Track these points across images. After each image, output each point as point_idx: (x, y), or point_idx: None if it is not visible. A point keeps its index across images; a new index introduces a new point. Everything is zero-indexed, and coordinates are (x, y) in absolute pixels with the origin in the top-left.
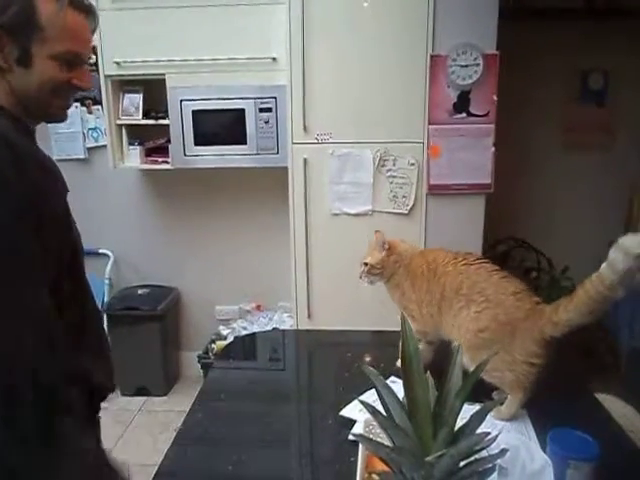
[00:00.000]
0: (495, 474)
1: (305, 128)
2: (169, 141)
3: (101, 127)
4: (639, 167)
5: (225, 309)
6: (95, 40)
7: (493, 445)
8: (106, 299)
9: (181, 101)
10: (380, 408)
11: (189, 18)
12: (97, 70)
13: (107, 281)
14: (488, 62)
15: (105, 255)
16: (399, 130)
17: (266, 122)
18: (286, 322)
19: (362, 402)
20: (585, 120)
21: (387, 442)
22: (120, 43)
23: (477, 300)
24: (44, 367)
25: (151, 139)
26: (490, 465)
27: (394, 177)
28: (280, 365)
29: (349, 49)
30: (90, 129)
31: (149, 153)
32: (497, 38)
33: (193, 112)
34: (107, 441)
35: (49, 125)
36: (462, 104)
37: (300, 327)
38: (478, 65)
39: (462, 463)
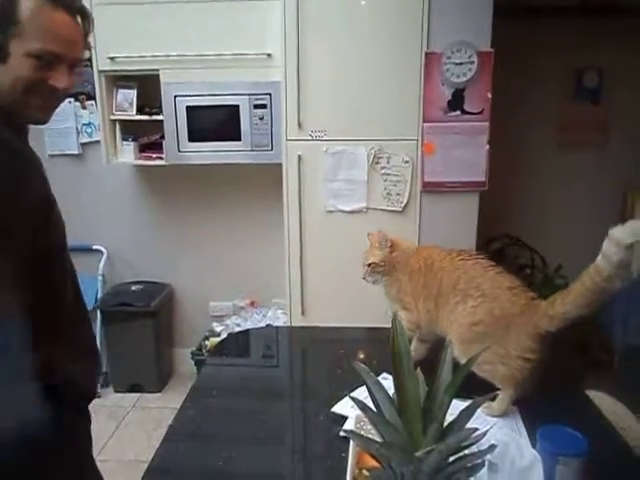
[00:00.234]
0: (485, 470)
1: (299, 125)
2: (163, 137)
3: (95, 122)
4: (633, 165)
5: (219, 305)
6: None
7: (483, 441)
8: (99, 295)
9: (175, 97)
10: (371, 404)
11: (183, 13)
12: (91, 65)
13: (100, 277)
14: (482, 60)
15: (98, 251)
16: (393, 127)
17: (260, 118)
18: (280, 319)
19: (352, 398)
20: (580, 118)
21: (377, 438)
22: (114, 38)
23: (474, 295)
24: None
25: (145, 135)
26: (479, 461)
27: (388, 174)
28: (273, 362)
29: (344, 46)
30: (84, 124)
31: (143, 149)
32: (492, 36)
33: (187, 108)
34: (100, 437)
35: None
36: (456, 102)
37: (294, 324)
38: (472, 63)
39: (451, 458)
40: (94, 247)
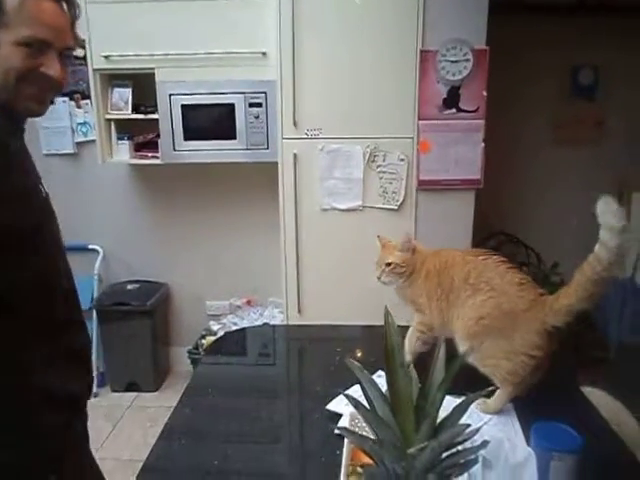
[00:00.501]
0: (479, 466)
1: (295, 123)
2: (159, 136)
3: (90, 122)
4: (629, 162)
5: (215, 304)
6: (84, 33)
7: (476, 437)
8: (95, 295)
9: (170, 95)
10: (365, 402)
11: (179, 12)
12: (85, 64)
13: (96, 277)
14: (478, 57)
15: (94, 250)
16: (389, 125)
17: (256, 117)
18: (277, 317)
19: (346, 395)
20: (575, 115)
21: (371, 435)
22: (109, 37)
23: (483, 289)
24: None
25: (140, 134)
26: (472, 457)
27: (384, 172)
28: (269, 360)
29: (339, 44)
30: (79, 124)
31: (138, 148)
32: (487, 33)
33: (182, 107)
34: (98, 436)
35: (36, 119)
36: (452, 100)
37: (290, 322)
38: (468, 60)
39: (444, 455)
40: (90, 246)
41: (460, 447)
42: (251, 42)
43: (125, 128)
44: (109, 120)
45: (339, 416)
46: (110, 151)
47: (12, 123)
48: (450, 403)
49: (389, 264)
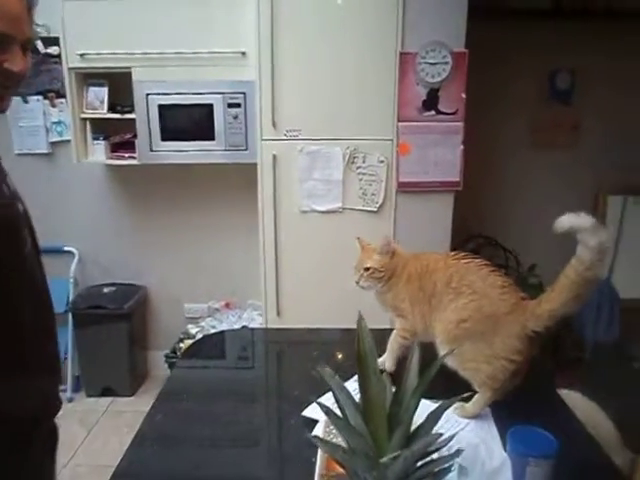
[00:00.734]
0: (454, 473)
1: (274, 124)
2: (135, 136)
3: (66, 121)
4: (605, 166)
5: (194, 307)
6: (57, 31)
7: (452, 443)
8: (71, 298)
9: (147, 95)
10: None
11: (156, 9)
12: (60, 62)
13: (72, 279)
14: (457, 60)
15: (70, 253)
16: (369, 127)
17: (235, 118)
18: (256, 320)
19: (319, 403)
20: (553, 119)
21: (344, 443)
22: (84, 34)
23: (465, 292)
24: None
25: (116, 134)
26: (446, 466)
27: (364, 174)
28: (246, 364)
29: (319, 45)
30: (54, 123)
31: (115, 148)
32: (467, 37)
33: (160, 106)
34: (72, 442)
35: (10, 118)
36: (431, 102)
37: (269, 325)
38: (447, 63)
39: (419, 463)
40: (65, 248)
41: (435, 455)
42: (230, 41)
43: (100, 128)
44: (84, 119)
45: (315, 422)
46: (85, 151)
47: None
48: (428, 407)
49: (368, 269)
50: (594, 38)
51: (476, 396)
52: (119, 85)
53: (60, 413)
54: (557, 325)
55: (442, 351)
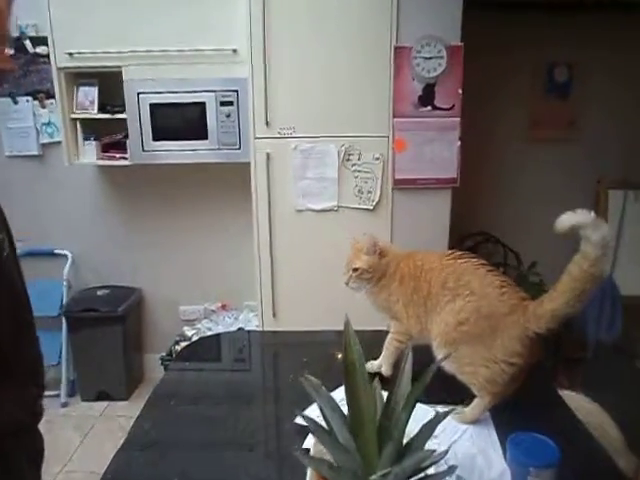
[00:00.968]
0: None
1: (267, 122)
2: (126, 136)
3: (56, 122)
4: (604, 160)
5: (189, 309)
6: (46, 30)
7: (449, 454)
8: (64, 301)
9: (138, 94)
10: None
11: (146, 7)
12: (49, 62)
13: (65, 282)
14: (452, 54)
15: (63, 256)
16: (364, 124)
17: (227, 116)
18: (252, 321)
19: (304, 417)
20: (551, 113)
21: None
22: (73, 33)
23: (463, 293)
24: None
25: (107, 134)
26: None
27: (359, 172)
28: (241, 366)
29: (312, 40)
30: (44, 124)
31: (106, 149)
32: (463, 30)
33: (151, 106)
34: (67, 449)
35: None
36: (427, 97)
37: (265, 326)
38: (442, 57)
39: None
40: (57, 251)
41: (430, 471)
42: (222, 38)
43: (91, 128)
44: (75, 120)
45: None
46: (76, 152)
47: None
48: (424, 412)
49: (356, 269)
50: (592, 31)
51: (475, 401)
52: (109, 84)
53: (42, 420)
54: (558, 324)
55: (439, 354)
